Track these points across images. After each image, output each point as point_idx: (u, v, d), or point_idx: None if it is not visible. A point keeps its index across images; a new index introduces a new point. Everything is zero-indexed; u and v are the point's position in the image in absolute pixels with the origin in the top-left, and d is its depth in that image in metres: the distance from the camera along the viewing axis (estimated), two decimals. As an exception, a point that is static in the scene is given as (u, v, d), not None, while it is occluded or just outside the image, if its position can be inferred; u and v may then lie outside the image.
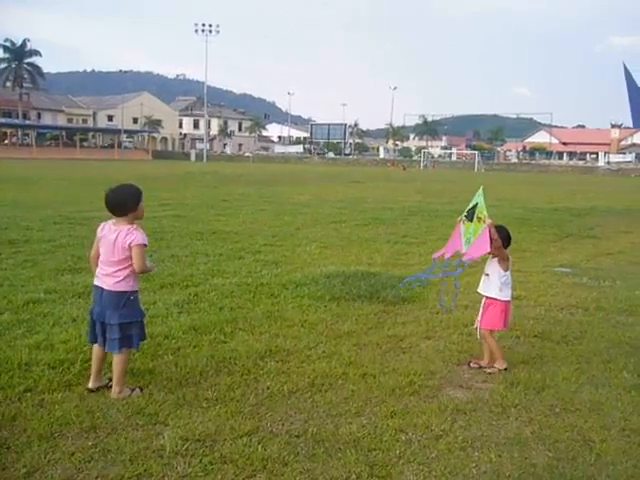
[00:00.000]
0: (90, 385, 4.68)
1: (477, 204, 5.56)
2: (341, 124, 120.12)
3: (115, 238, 4.53)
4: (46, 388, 4.62)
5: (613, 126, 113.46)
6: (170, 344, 5.72)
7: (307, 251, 11.18)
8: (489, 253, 5.52)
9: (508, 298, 5.66)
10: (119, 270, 4.55)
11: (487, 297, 5.67)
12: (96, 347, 4.70)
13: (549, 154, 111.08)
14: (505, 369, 5.51)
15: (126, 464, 3.65)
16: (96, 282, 4.68)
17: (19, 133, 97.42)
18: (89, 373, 4.86)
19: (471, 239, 5.54)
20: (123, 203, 4.58)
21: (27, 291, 7.43)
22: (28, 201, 18.85)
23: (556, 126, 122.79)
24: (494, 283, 5.62)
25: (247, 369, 5.22)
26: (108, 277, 4.58)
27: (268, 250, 11.13)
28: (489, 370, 5.53)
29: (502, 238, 5.51)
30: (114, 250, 4.53)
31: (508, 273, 5.63)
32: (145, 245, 4.58)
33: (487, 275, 5.72)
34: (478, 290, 5.83)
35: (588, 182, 52.94)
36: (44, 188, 25.32)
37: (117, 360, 4.61)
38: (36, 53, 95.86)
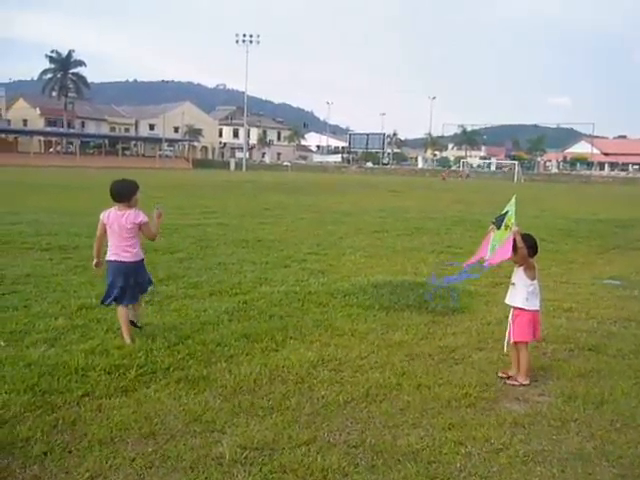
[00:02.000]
0: (128, 340, 5.79)
1: (507, 212, 5.56)
2: (379, 134, 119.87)
3: (125, 220, 5.79)
4: (103, 393, 4.67)
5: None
6: (223, 351, 5.74)
7: (352, 260, 11.15)
8: (513, 261, 5.51)
9: (536, 308, 5.57)
10: (132, 244, 5.88)
11: (514, 307, 5.59)
12: (123, 308, 5.89)
13: (590, 165, 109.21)
14: (526, 384, 5.37)
15: (187, 471, 3.66)
16: (114, 258, 5.89)
17: (64, 142, 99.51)
18: (145, 379, 4.93)
19: (495, 246, 5.61)
20: (123, 192, 5.91)
21: (80, 297, 7.53)
22: (75, 208, 19.19)
23: (597, 136, 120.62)
24: (520, 293, 5.55)
25: (300, 377, 5.20)
26: (126, 252, 5.85)
27: (313, 259, 11.12)
28: (510, 382, 5.41)
29: (528, 247, 5.45)
30: (125, 229, 5.81)
31: (535, 282, 5.56)
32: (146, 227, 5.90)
33: (513, 284, 5.66)
34: (505, 301, 5.76)
35: (631, 194, 51.93)
36: (89, 195, 25.72)
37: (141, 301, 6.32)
38: (81, 64, 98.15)
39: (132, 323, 5.98)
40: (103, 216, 5.93)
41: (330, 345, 6.13)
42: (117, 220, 5.81)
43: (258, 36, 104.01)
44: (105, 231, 5.95)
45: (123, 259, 5.84)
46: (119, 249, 5.85)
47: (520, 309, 5.54)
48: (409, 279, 9.38)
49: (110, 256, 5.92)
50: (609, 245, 15.00)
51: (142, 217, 5.86)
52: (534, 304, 5.55)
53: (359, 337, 6.44)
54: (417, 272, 10.27)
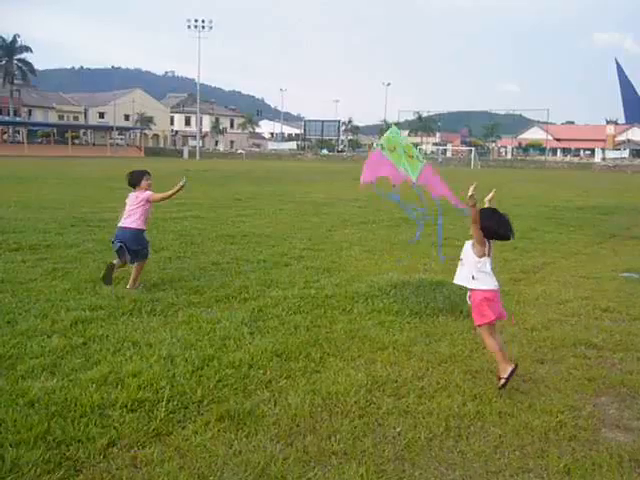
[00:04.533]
0: (128, 286, 7.44)
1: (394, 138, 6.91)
2: (335, 121, 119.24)
3: (135, 197, 7.60)
4: (133, 440, 3.75)
5: (608, 122, 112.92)
6: (258, 375, 4.85)
7: (353, 256, 10.33)
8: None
9: (489, 287, 4.90)
10: (137, 217, 7.51)
11: (468, 288, 5.00)
12: (118, 263, 7.56)
13: (543, 150, 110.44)
14: (512, 373, 4.74)
15: None
16: (121, 224, 7.57)
17: (10, 130, 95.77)
18: (178, 417, 4.05)
19: (415, 173, 6.61)
20: (134, 181, 7.68)
21: (69, 308, 6.52)
22: (34, 201, 17.86)
23: (545, 122, 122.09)
24: (467, 270, 4.94)
25: (361, 407, 4.37)
26: (132, 221, 7.50)
27: (311, 255, 10.26)
28: (499, 384, 4.79)
29: (484, 227, 4.81)
30: (135, 203, 7.55)
31: (484, 259, 4.88)
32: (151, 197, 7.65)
33: (461, 260, 5.05)
34: (454, 280, 5.15)
35: (590, 179, 52.43)
36: (46, 187, 24.29)
37: (136, 267, 7.56)
38: (27, 49, 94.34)
39: (111, 266, 7.57)
40: (128, 198, 7.71)
41: (376, 362, 5.30)
42: (130, 198, 7.65)
43: (210, 21, 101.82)
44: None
45: (127, 225, 7.51)
46: (127, 219, 7.54)
47: (471, 289, 4.94)
48: (426, 278, 8.62)
49: (120, 223, 7.62)
50: (604, 234, 14.52)
51: (146, 194, 7.59)
52: (486, 283, 4.89)
53: (403, 350, 5.63)
54: (428, 269, 9.55)
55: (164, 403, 4.21)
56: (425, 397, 4.61)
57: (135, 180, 7.59)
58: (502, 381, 4.78)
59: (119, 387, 4.47)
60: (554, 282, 9.02)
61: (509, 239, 5.01)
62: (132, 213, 7.47)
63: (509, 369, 4.78)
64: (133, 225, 7.45)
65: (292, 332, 5.97)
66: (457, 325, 6.50)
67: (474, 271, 4.89)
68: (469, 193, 4.65)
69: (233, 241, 11.45)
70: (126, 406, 4.16)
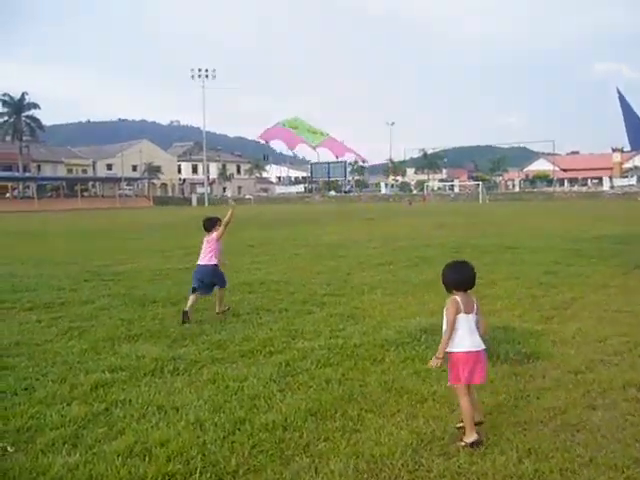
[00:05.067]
0: (217, 311, 9.06)
1: (295, 121, 8.36)
2: (341, 162, 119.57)
3: (209, 240, 8.93)
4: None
5: (614, 150, 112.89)
6: (294, 438, 4.52)
7: (376, 300, 10.02)
8: None
9: (458, 349, 4.53)
10: (211, 255, 8.91)
11: None
12: (195, 296, 8.84)
13: (550, 181, 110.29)
14: (473, 444, 4.37)
15: None
16: (199, 262, 9.03)
17: (20, 186, 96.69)
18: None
19: (316, 142, 8.60)
20: (209, 227, 9.04)
21: (88, 370, 6.23)
22: (47, 257, 17.71)
23: (550, 153, 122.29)
24: (443, 329, 4.61)
25: (409, 471, 4.03)
26: (208, 260, 8.94)
27: (333, 301, 9.96)
28: (457, 444, 4.44)
29: (446, 281, 4.68)
30: (209, 244, 8.93)
31: (461, 317, 4.51)
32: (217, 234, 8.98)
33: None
34: None
35: (601, 207, 52.07)
36: (58, 241, 24.23)
37: (219, 294, 9.13)
38: (35, 106, 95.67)
39: (185, 313, 8.55)
40: (205, 238, 9.13)
41: (418, 417, 4.97)
42: (206, 240, 9.04)
43: (214, 70, 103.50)
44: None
45: (205, 262, 8.98)
46: (204, 257, 8.99)
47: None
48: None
49: (198, 262, 9.09)
50: (627, 265, 14.13)
51: (214, 235, 8.97)
52: (460, 344, 4.52)
53: (445, 402, 5.29)
54: (455, 310, 9.19)
55: (197, 476, 3.89)
56: (477, 455, 4.26)
57: (210, 226, 9.09)
58: (462, 443, 4.43)
59: (147, 459, 4.16)
60: (587, 318, 8.66)
61: (468, 283, 4.64)
62: (207, 253, 8.94)
63: (472, 438, 4.42)
64: (211, 262, 8.93)
65: (324, 387, 5.65)
66: (496, 371, 6.14)
67: (446, 329, 4.57)
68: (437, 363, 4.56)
69: (251, 290, 11.17)
70: (157, 481, 3.84)
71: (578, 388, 5.69)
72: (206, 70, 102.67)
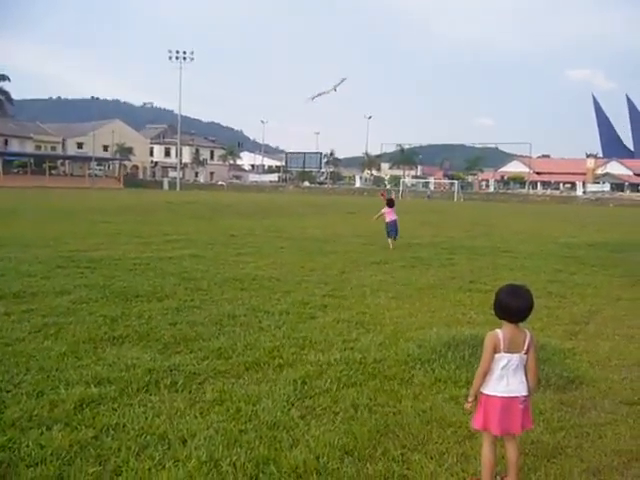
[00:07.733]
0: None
1: None
2: (316, 153, 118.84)
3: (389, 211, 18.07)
4: None
5: (589, 156, 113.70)
6: (333, 488, 3.68)
7: (381, 305, 9.20)
8: None
9: (489, 392, 3.73)
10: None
11: None
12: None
13: (523, 184, 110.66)
14: None
15: None
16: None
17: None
18: None
19: None
20: (392, 204, 18.42)
21: (69, 381, 5.29)
22: (15, 237, 16.53)
23: (523, 155, 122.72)
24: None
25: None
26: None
27: (335, 304, 9.11)
28: None
29: (497, 308, 3.80)
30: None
31: (498, 356, 3.71)
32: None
33: None
34: None
35: (578, 212, 52.12)
36: (26, 221, 22.98)
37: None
38: (4, 78, 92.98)
39: None
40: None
41: (469, 458, 4.17)
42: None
43: (192, 53, 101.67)
44: None
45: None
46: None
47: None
48: (476, 333, 7.49)
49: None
50: (632, 275, 13.54)
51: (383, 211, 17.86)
52: (490, 385, 3.72)
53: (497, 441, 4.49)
54: (470, 320, 8.44)
55: None
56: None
57: (393, 203, 17.74)
58: None
59: (153, 514, 3.27)
60: (615, 336, 7.97)
61: (523, 314, 3.74)
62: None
63: None
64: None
65: (352, 415, 4.80)
66: (543, 400, 5.36)
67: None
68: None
69: (243, 286, 10.25)
70: None
71: (635, 421, 4.96)
72: (184, 52, 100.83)
